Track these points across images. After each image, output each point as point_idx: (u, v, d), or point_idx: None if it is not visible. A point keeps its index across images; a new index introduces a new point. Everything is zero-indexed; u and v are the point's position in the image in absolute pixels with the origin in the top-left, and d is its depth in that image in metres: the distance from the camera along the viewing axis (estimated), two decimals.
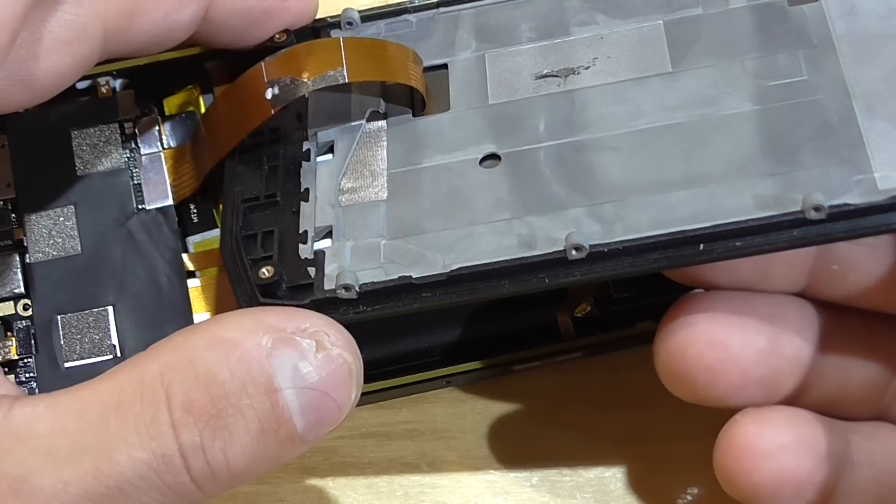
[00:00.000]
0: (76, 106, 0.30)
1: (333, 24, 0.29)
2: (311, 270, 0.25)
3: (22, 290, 0.29)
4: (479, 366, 0.30)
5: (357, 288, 0.23)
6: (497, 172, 0.25)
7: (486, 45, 0.28)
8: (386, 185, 0.26)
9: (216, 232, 0.30)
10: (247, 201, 0.26)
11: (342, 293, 0.24)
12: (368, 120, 0.27)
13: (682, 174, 0.24)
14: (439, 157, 0.26)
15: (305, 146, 0.27)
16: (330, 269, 0.24)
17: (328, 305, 0.24)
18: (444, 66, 0.28)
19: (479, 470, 0.30)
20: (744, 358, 0.25)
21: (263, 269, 0.24)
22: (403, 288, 0.24)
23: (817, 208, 0.22)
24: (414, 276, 0.23)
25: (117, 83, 0.30)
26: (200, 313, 0.28)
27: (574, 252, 0.22)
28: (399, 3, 0.30)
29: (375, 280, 0.24)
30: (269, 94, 0.26)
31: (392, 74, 0.27)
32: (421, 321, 0.30)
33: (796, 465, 0.25)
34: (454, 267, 0.23)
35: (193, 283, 0.29)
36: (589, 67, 0.26)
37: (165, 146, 0.30)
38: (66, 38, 0.26)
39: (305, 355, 0.21)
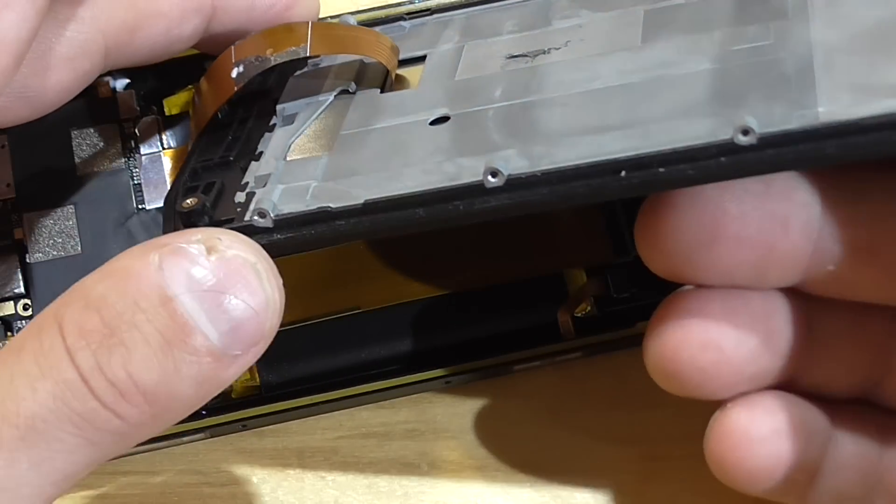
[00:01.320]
0: (76, 106, 0.30)
1: None
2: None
3: (22, 290, 0.29)
4: (479, 366, 0.30)
5: (272, 215, 0.23)
6: (443, 129, 0.24)
7: (467, 39, 0.28)
8: (335, 144, 0.26)
9: None
10: (202, 161, 0.26)
11: (257, 220, 0.23)
12: (337, 96, 0.27)
13: (622, 120, 0.23)
14: (392, 120, 0.26)
15: (273, 121, 0.27)
16: (254, 205, 0.24)
17: (244, 234, 0.23)
18: (425, 57, 0.28)
19: (479, 470, 0.30)
20: (737, 358, 0.25)
21: (188, 200, 0.24)
22: (320, 217, 0.23)
23: (746, 131, 0.21)
24: (332, 206, 0.23)
25: (117, 83, 0.30)
26: None
27: (491, 178, 0.22)
28: (397, 4, 0.30)
29: (294, 210, 0.23)
30: (234, 73, 0.27)
31: (356, 48, 0.27)
32: (421, 320, 0.30)
33: (789, 448, 0.25)
34: (371, 197, 0.23)
35: None
36: (560, 49, 0.26)
37: (165, 146, 0.30)
38: (69, 55, 0.26)
39: (197, 260, 0.21)
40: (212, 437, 0.30)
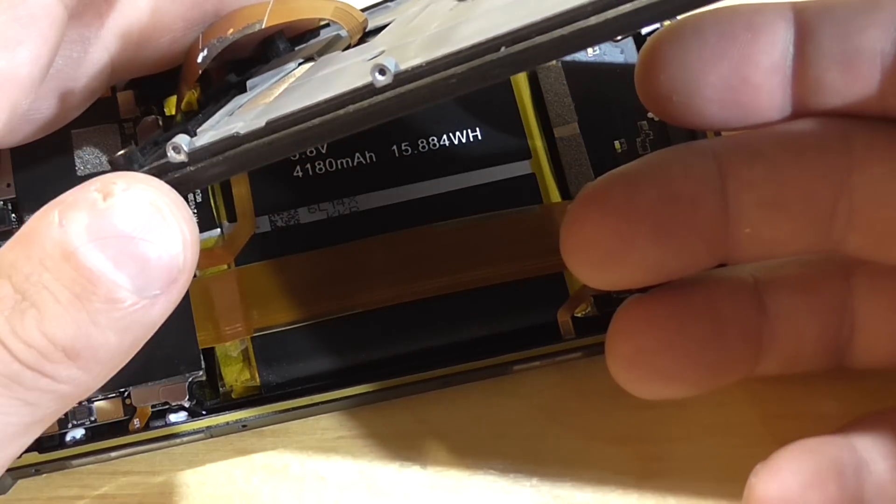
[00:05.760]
0: None
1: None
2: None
3: None
4: (479, 366, 0.30)
5: (186, 149, 0.23)
6: (375, 62, 0.24)
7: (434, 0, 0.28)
8: (279, 96, 0.25)
9: (216, 232, 0.30)
10: (164, 133, 0.26)
11: (172, 155, 0.22)
12: (301, 64, 0.27)
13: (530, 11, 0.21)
14: (335, 67, 0.25)
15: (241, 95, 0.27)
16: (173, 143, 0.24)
17: (161, 174, 0.23)
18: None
19: (479, 470, 0.30)
20: (691, 352, 0.26)
21: (120, 152, 0.23)
22: (228, 144, 0.22)
23: None
24: (239, 132, 0.22)
25: (117, 83, 0.30)
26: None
27: (380, 77, 0.21)
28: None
29: (207, 141, 0.23)
30: (199, 58, 0.27)
31: (308, 13, 0.27)
32: (420, 320, 0.30)
33: (824, 497, 0.25)
34: (272, 116, 0.22)
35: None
36: None
37: None
38: (76, 76, 0.26)
39: (94, 208, 0.20)
40: (212, 437, 0.30)
